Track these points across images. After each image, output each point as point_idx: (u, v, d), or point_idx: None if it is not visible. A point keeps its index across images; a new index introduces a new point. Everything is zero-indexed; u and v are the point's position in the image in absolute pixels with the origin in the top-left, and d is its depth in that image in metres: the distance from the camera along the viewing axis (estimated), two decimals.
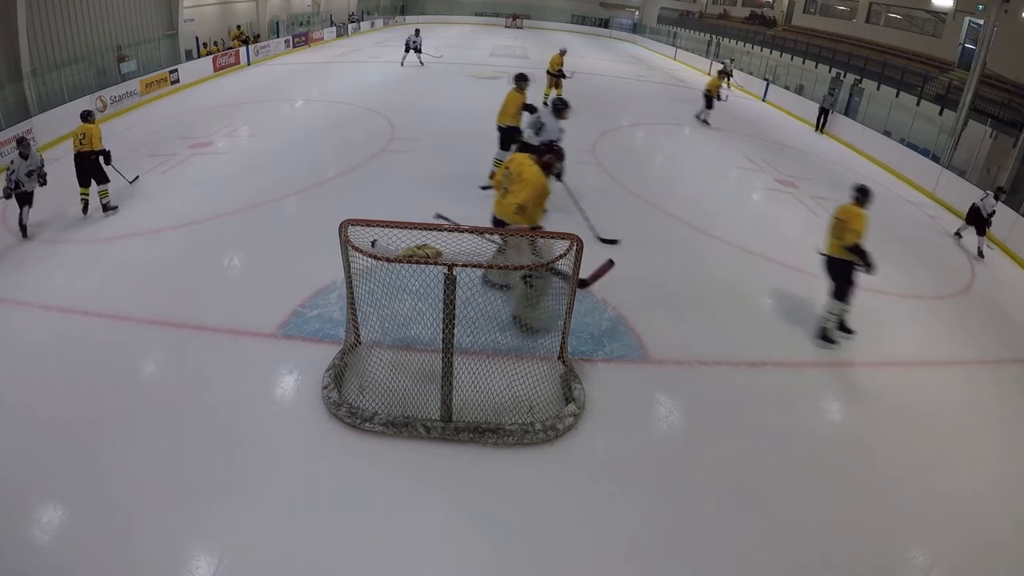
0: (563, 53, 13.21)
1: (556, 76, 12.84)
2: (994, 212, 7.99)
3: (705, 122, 13.01)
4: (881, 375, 4.95)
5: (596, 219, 6.57)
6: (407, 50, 17.54)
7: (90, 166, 6.77)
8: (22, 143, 6.31)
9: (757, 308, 5.78)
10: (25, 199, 6.23)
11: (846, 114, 14.67)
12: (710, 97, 12.94)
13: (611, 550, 3.17)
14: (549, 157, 4.69)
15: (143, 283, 5.34)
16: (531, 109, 7.21)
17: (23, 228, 6.23)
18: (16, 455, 3.48)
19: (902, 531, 3.48)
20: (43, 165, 6.40)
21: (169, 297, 5.12)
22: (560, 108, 6.61)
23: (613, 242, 6.36)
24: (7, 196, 6.18)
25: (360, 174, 8.21)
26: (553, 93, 12.50)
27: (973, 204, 8.12)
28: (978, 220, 7.99)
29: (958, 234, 8.47)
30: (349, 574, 2.97)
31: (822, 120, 14.29)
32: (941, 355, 5.39)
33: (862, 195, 4.88)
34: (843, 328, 5.18)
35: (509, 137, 7.33)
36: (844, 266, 4.86)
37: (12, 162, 6.18)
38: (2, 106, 9.73)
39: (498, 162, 7.33)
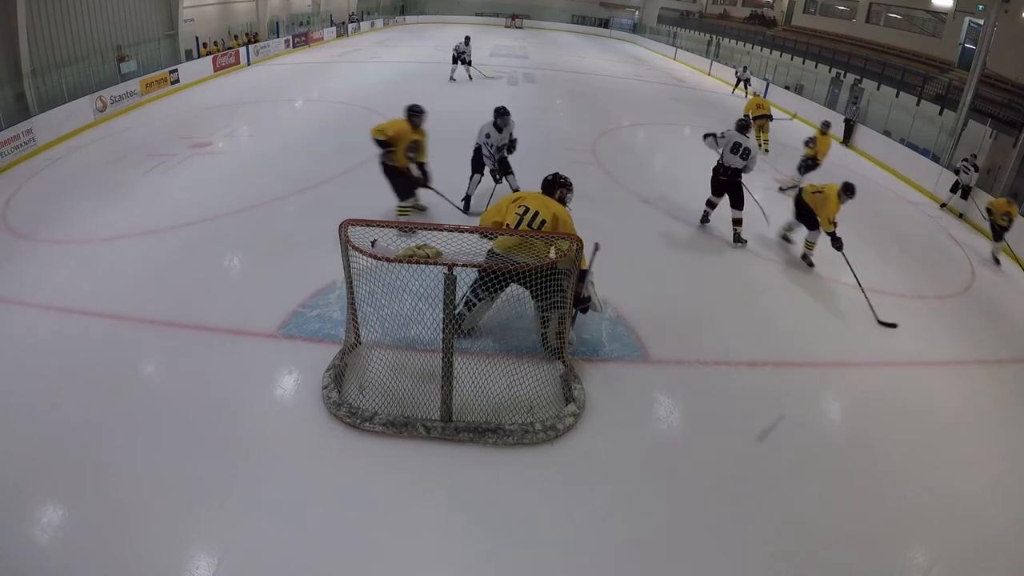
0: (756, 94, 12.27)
1: (767, 119, 11.70)
2: (970, 187, 9.43)
3: (997, 260, 8.03)
4: (881, 375, 4.95)
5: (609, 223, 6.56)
6: (455, 62, 15.48)
7: (391, 176, 6.16)
8: (502, 114, 6.50)
9: (757, 308, 5.78)
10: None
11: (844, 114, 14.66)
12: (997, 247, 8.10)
13: (611, 550, 3.17)
14: (561, 192, 4.43)
15: (143, 283, 5.33)
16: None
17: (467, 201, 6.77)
18: (16, 455, 3.47)
19: (902, 531, 3.48)
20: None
21: (169, 297, 5.12)
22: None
23: (892, 326, 5.62)
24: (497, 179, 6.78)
25: (360, 174, 8.20)
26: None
27: (957, 181, 9.58)
28: (962, 188, 9.50)
29: (944, 205, 9.97)
30: (349, 574, 2.97)
31: (847, 133, 13.43)
32: (941, 355, 5.39)
33: None
34: None
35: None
36: None
37: (488, 135, 6.42)
38: (2, 106, 9.74)
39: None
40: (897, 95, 14.14)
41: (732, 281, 6.15)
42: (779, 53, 20.86)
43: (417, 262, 3.73)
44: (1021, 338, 5.88)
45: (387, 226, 4.12)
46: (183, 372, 4.25)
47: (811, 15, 23.48)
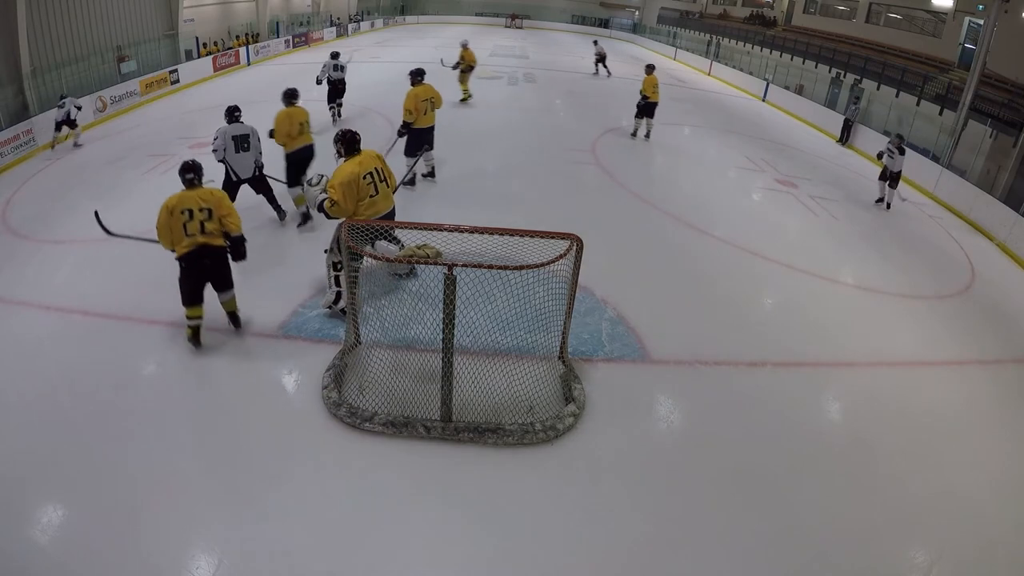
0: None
1: (471, 69, 12.48)
2: (898, 172, 8.86)
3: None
4: (881, 375, 4.95)
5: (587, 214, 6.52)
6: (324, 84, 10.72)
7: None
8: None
9: (757, 308, 5.78)
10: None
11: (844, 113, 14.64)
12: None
13: (611, 550, 3.17)
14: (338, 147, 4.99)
15: (143, 283, 5.32)
16: None
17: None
18: (16, 455, 3.48)
19: (902, 531, 3.48)
20: None
21: (169, 297, 5.08)
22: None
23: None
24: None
25: None
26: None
27: (885, 167, 8.93)
28: (889, 176, 8.89)
29: (881, 200, 9.13)
30: (348, 573, 2.97)
31: (846, 133, 13.26)
32: (941, 355, 5.39)
33: None
34: None
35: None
36: None
37: None
38: (2, 106, 9.74)
39: None
40: (897, 95, 14.13)
41: (732, 281, 6.14)
42: (779, 53, 20.83)
43: (417, 262, 3.73)
44: (1021, 338, 5.88)
45: (387, 226, 4.12)
46: (183, 372, 4.25)
47: (811, 15, 23.46)
